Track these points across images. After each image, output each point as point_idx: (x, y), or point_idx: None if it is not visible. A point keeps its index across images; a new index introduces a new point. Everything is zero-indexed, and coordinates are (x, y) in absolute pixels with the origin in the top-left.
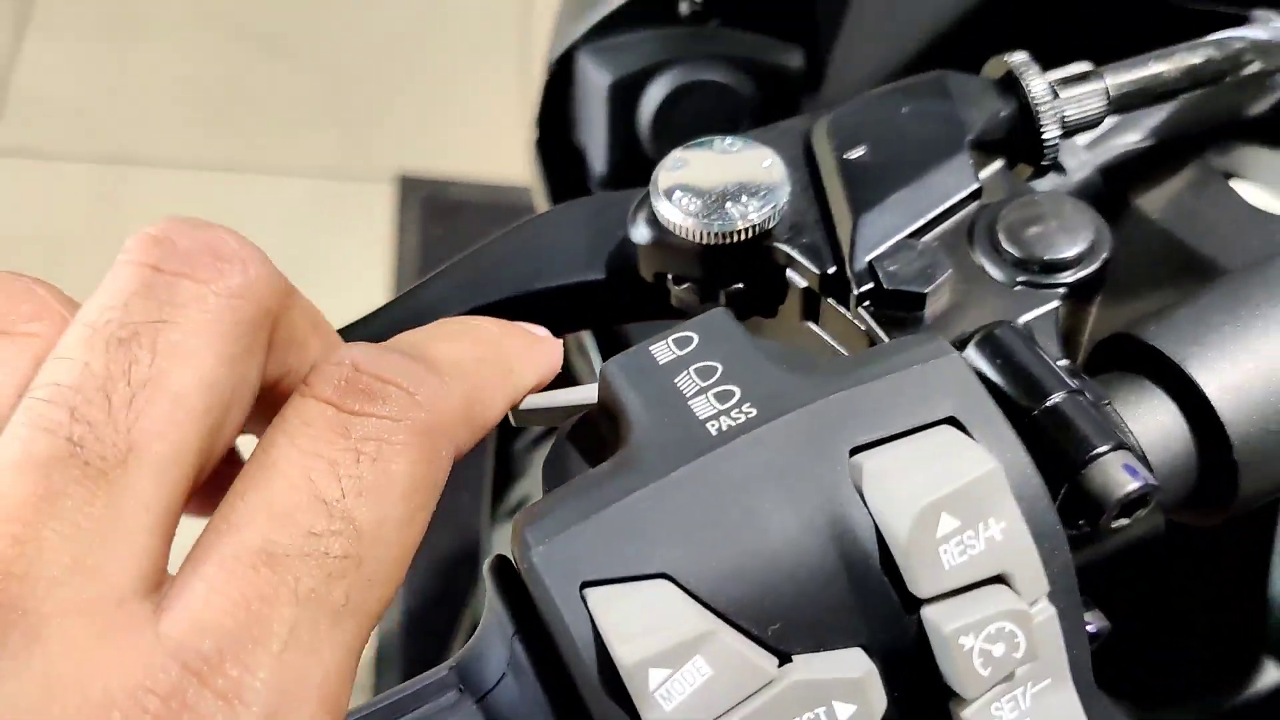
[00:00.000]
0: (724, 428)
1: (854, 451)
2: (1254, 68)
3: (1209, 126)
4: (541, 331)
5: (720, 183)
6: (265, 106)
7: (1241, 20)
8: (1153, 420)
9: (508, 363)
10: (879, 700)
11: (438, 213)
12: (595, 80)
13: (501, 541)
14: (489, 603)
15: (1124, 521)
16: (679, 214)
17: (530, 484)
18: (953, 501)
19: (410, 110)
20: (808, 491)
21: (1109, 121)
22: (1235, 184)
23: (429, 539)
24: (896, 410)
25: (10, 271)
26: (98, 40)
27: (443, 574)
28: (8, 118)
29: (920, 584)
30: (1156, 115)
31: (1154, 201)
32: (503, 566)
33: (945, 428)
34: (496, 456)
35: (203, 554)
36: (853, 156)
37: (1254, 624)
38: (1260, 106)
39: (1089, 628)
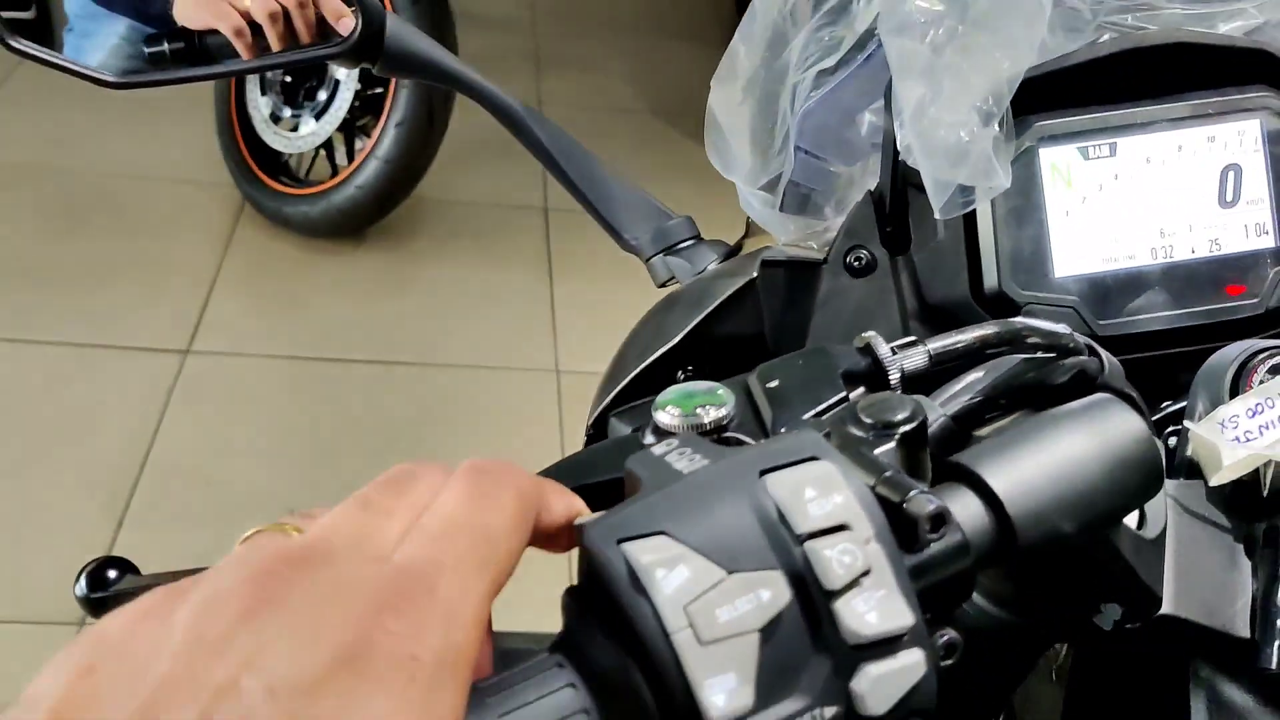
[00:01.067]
0: (691, 468)
1: (763, 473)
2: (1034, 339)
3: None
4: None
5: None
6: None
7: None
8: (965, 507)
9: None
10: (784, 593)
11: None
12: (620, 431)
13: None
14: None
15: (935, 537)
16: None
17: None
18: (811, 480)
19: None
20: (739, 487)
21: (954, 385)
22: None
23: None
24: (786, 455)
25: None
26: None
27: None
28: None
29: (798, 525)
30: (986, 380)
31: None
32: (570, 590)
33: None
34: None
35: None
36: (770, 386)
37: None
38: (1059, 378)
39: (943, 638)
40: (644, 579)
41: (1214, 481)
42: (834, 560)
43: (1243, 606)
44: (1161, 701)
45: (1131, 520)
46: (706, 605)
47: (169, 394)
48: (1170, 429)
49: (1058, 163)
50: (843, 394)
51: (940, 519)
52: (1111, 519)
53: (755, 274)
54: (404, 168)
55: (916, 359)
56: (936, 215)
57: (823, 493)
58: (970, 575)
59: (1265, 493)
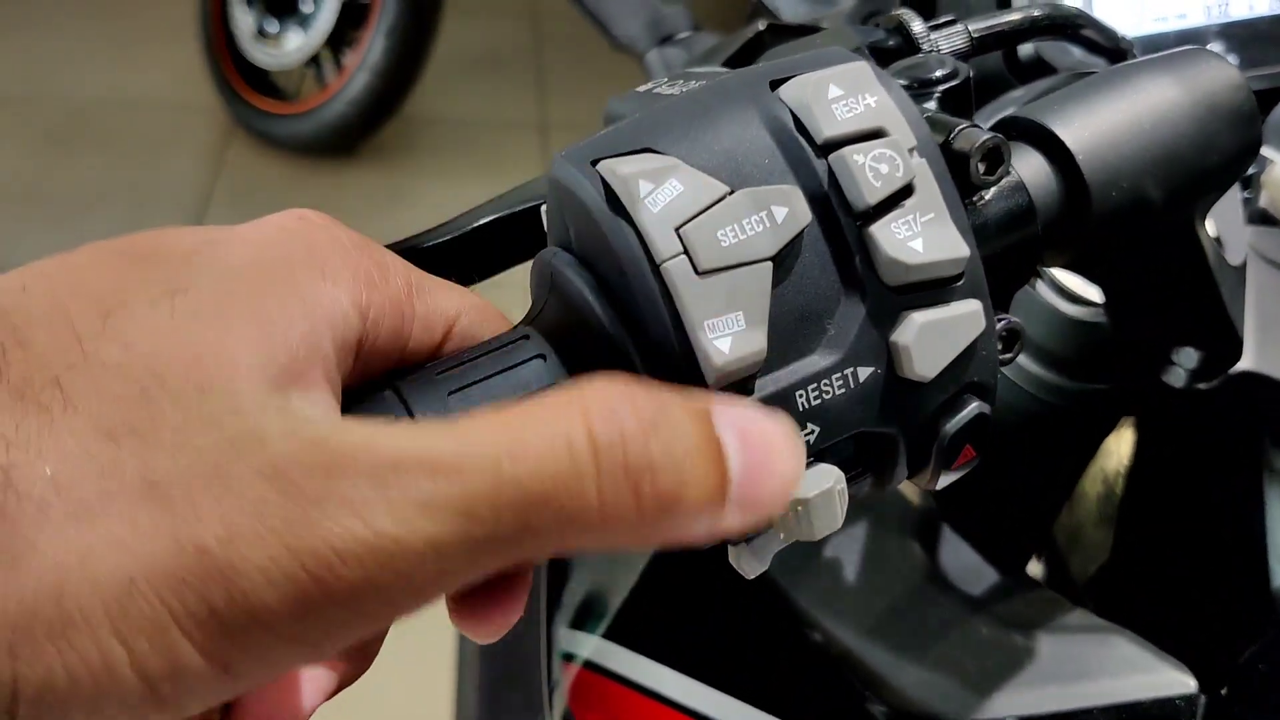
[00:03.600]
0: (685, 90)
1: (775, 85)
2: (1089, 32)
3: None
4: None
5: None
6: None
7: None
8: (1028, 163)
9: None
10: (803, 212)
11: None
12: None
13: (566, 640)
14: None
15: (991, 180)
16: None
17: (589, 572)
18: (836, 77)
19: None
20: (745, 98)
21: (993, 104)
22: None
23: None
24: (804, 64)
25: None
26: None
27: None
28: None
29: (822, 128)
30: (1028, 97)
31: None
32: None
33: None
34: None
35: None
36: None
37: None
38: None
39: (1001, 322)
40: (624, 196)
41: None
42: (866, 169)
43: None
44: (1234, 498)
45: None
46: (705, 226)
47: None
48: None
49: None
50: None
51: (997, 154)
52: (1203, 186)
53: (762, 29)
54: (394, 78)
55: (956, 37)
56: None
57: (851, 92)
58: (1035, 246)
59: None
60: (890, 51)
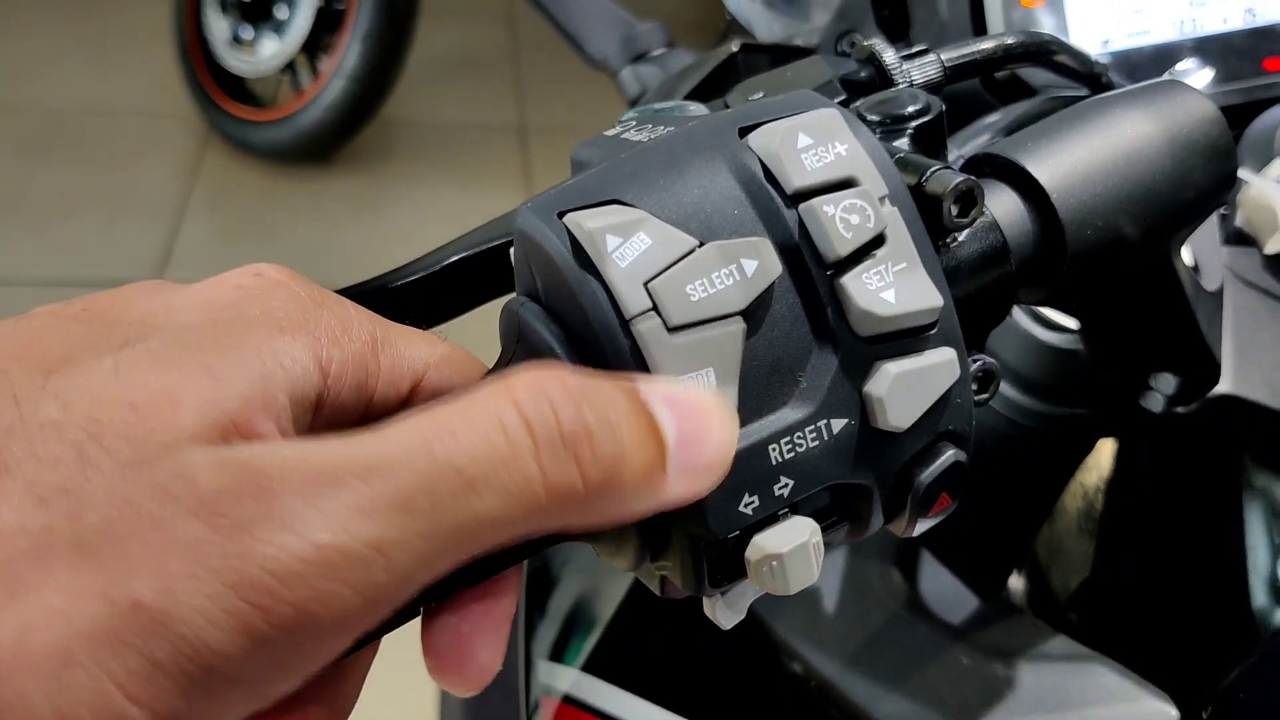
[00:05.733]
0: (653, 136)
1: (744, 132)
2: (1062, 58)
3: None
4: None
5: None
6: None
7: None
8: (1002, 202)
9: None
10: (774, 264)
11: None
12: None
13: (548, 674)
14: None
15: (964, 222)
16: None
17: (568, 589)
18: (805, 125)
19: None
20: (714, 147)
21: (970, 128)
22: None
23: None
24: (774, 110)
25: None
26: None
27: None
28: None
29: (791, 179)
30: (1005, 120)
31: None
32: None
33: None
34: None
35: None
36: (754, 100)
37: (1234, 606)
38: None
39: (976, 364)
40: (591, 250)
41: (1271, 247)
42: (837, 220)
43: None
44: (1214, 515)
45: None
46: (674, 281)
47: None
48: None
49: None
50: (841, 99)
51: (970, 197)
52: (1179, 221)
53: (735, 50)
54: (371, 84)
55: (929, 68)
56: None
57: (821, 140)
58: (1010, 286)
59: None
60: (862, 84)
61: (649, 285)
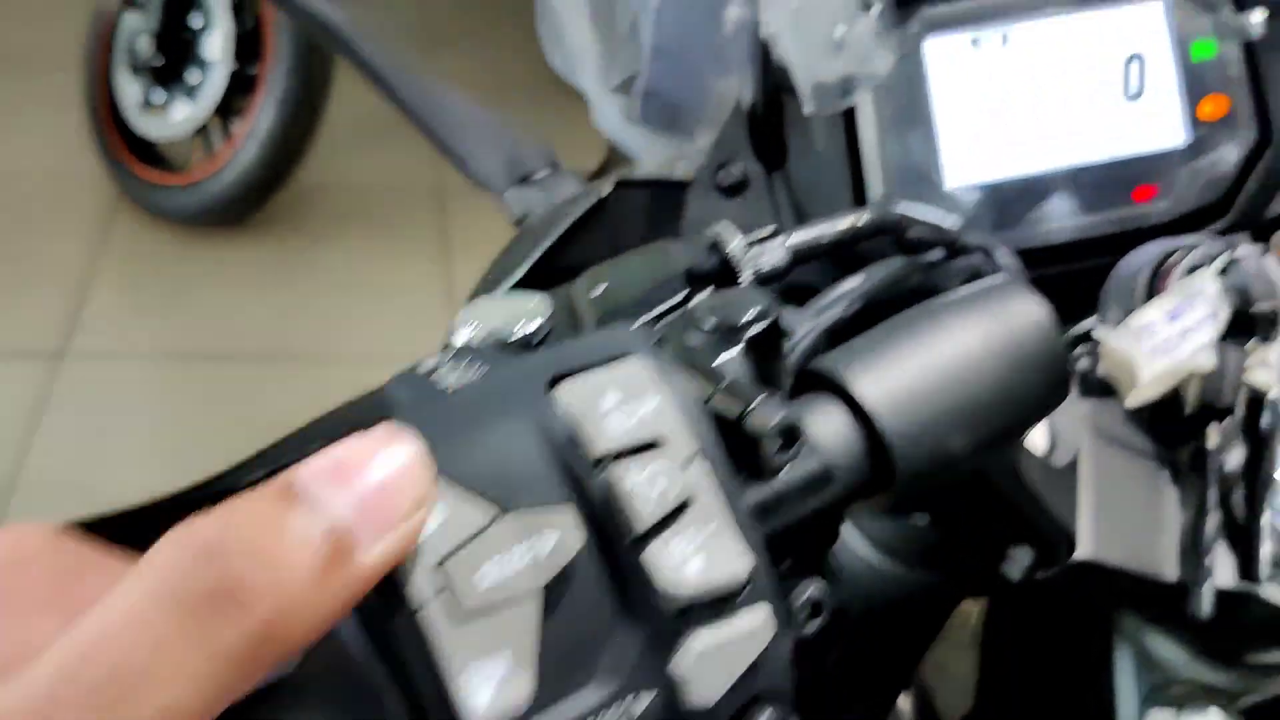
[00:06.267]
0: (461, 383)
1: (554, 382)
2: (916, 232)
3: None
4: None
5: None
6: None
7: None
8: (828, 424)
9: None
10: (575, 538)
11: None
12: None
13: None
14: None
15: (785, 458)
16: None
17: None
18: (613, 381)
19: None
20: (519, 402)
21: (828, 294)
22: None
23: None
24: (586, 356)
25: None
26: None
27: None
28: None
29: (595, 444)
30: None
31: None
32: None
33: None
34: None
35: None
36: (597, 292)
37: None
38: (949, 282)
39: (805, 594)
40: None
41: (1131, 402)
42: (641, 489)
43: (1168, 545)
44: (1084, 662)
45: (1037, 447)
46: (468, 560)
47: (44, 401)
48: (1079, 349)
49: (946, 54)
50: (685, 294)
51: (791, 434)
52: (1011, 434)
53: (607, 193)
54: (284, 148)
55: (773, 254)
56: (807, 111)
57: (627, 399)
58: (836, 512)
59: (1189, 411)
60: (706, 276)
61: (443, 566)
